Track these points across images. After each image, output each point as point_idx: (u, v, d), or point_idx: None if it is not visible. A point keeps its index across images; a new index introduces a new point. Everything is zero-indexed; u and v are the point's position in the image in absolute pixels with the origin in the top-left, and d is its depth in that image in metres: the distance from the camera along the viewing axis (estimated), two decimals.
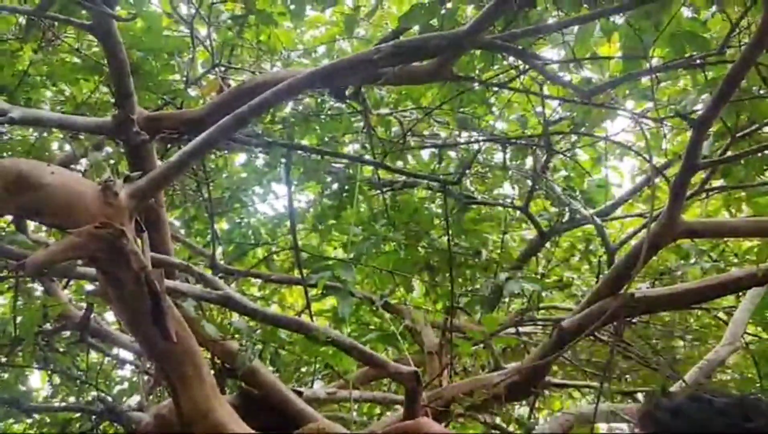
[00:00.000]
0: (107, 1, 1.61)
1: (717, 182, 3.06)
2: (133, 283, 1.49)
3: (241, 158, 4.33)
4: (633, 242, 3.37)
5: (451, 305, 3.21)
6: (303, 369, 3.04)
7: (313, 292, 3.18)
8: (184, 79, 2.96)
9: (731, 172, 2.57)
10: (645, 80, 2.71)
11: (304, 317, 3.30)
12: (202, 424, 1.64)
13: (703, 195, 3.06)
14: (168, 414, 1.86)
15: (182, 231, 4.44)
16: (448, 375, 2.92)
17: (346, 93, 2.21)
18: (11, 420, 4.52)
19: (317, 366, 3.35)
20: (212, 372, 2.39)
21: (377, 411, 4.24)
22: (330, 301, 4.47)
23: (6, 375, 4.14)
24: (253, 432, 1.73)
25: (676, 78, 2.88)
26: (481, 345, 2.94)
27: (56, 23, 2.36)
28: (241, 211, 4.33)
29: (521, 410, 4.13)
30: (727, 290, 2.32)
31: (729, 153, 2.37)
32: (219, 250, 4.38)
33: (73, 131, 2.10)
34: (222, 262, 4.29)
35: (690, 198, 2.73)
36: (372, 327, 4.21)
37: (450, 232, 4.15)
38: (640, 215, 3.92)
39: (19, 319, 2.51)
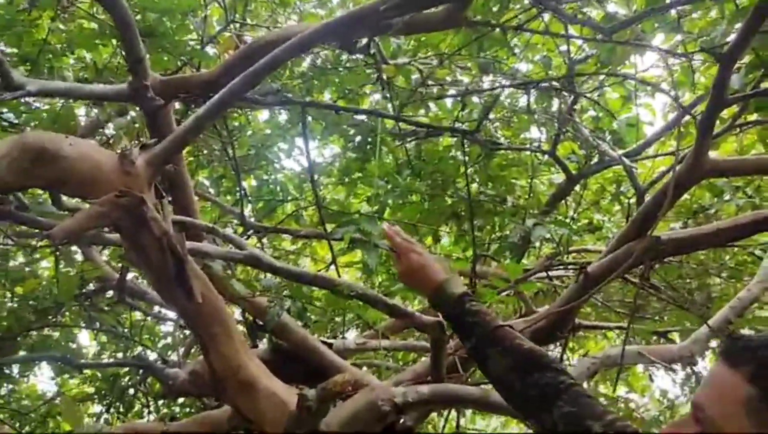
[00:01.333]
0: None
1: (753, 117, 2.94)
2: (156, 248, 1.53)
3: (264, 114, 4.34)
4: (664, 182, 3.30)
5: (474, 253, 3.21)
6: (337, 319, 3.11)
7: (340, 246, 3.21)
8: (200, 39, 2.95)
9: (765, 105, 2.47)
10: (674, 13, 2.58)
11: (332, 271, 3.36)
12: (234, 379, 1.71)
13: (737, 130, 2.95)
14: (201, 370, 1.94)
15: (212, 190, 4.52)
16: None
17: (357, 46, 2.18)
18: (66, 376, 4.79)
19: (349, 316, 3.42)
20: (242, 328, 2.48)
21: (411, 357, 4.34)
22: (360, 253, 4.53)
23: (56, 334, 4.37)
24: (282, 384, 1.79)
25: (706, 9, 2.74)
26: (511, 292, 2.95)
27: None
28: (268, 168, 4.37)
29: (554, 353, 4.18)
30: (759, 227, 2.26)
31: (762, 86, 2.27)
32: (249, 207, 4.46)
33: (89, 99, 2.12)
34: (252, 219, 4.37)
35: (721, 135, 2.65)
36: None
37: (475, 179, 4.13)
38: (672, 153, 3.81)
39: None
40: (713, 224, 2.19)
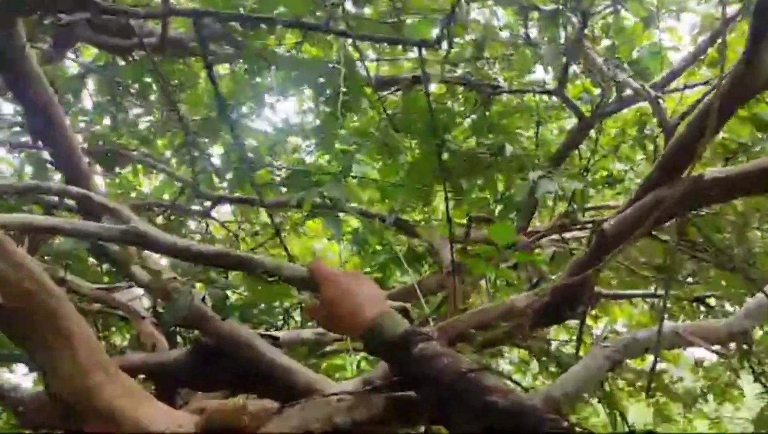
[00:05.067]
0: None
1: None
2: None
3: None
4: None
5: (448, 217, 2.59)
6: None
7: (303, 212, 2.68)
8: None
9: None
10: None
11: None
12: (89, 408, 1.18)
13: None
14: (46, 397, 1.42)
15: (173, 161, 3.99)
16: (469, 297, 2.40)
17: None
18: None
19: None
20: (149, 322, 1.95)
21: None
22: (353, 222, 4.00)
23: None
24: (165, 409, 1.26)
25: None
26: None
27: None
28: (234, 131, 3.82)
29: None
30: None
31: None
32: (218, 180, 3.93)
33: None
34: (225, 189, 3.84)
35: None
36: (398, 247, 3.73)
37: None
38: (706, 83, 3.16)
39: None
40: None
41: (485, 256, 1.78)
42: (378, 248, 3.88)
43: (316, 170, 2.52)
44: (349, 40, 3.32)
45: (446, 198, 2.05)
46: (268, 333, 1.95)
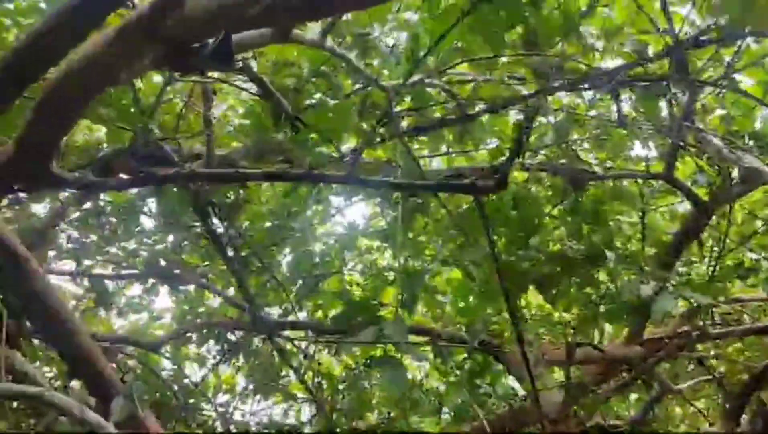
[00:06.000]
0: None
1: None
2: None
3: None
4: None
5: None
6: None
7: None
8: None
9: None
10: None
11: None
12: None
13: None
14: None
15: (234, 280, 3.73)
16: None
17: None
18: None
19: None
20: None
21: None
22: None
23: None
24: None
25: None
26: None
27: None
28: (299, 241, 3.53)
29: None
30: None
31: None
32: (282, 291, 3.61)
33: None
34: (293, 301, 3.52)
35: None
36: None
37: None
38: None
39: None
40: None
41: None
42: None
43: (371, 304, 2.08)
44: (412, 138, 3.01)
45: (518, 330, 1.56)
46: None
